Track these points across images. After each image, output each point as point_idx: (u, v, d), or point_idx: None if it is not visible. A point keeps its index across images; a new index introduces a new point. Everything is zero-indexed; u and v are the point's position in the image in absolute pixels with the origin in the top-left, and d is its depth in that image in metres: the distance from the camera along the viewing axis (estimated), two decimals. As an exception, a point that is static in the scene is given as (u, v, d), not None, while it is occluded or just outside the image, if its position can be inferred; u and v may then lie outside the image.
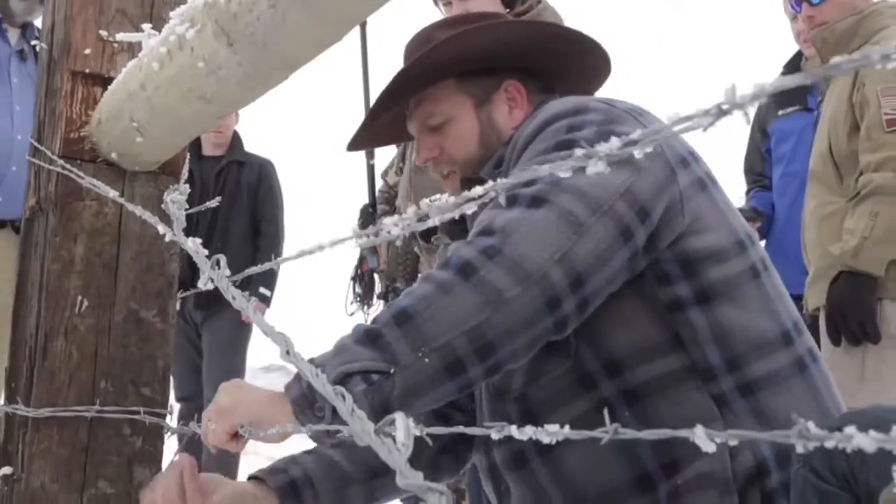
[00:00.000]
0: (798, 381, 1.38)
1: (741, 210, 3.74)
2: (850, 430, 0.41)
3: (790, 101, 3.62)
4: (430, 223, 0.93)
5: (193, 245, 1.10)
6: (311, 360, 1.18)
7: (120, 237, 1.57)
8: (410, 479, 0.61)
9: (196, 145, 4.85)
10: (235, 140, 4.87)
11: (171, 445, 1.70)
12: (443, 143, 1.58)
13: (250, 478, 1.48)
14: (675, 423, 1.31)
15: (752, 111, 0.54)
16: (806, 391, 1.38)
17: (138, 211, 1.29)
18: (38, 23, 3.23)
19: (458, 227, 1.59)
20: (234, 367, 4.48)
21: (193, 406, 4.49)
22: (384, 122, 1.66)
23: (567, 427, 0.65)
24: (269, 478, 1.46)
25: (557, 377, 1.38)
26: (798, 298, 2.92)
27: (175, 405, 4.33)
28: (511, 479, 1.45)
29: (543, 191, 1.27)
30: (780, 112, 3.69)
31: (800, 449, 0.42)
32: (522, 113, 1.58)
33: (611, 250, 1.26)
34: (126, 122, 1.42)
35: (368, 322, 1.24)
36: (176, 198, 1.35)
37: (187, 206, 1.34)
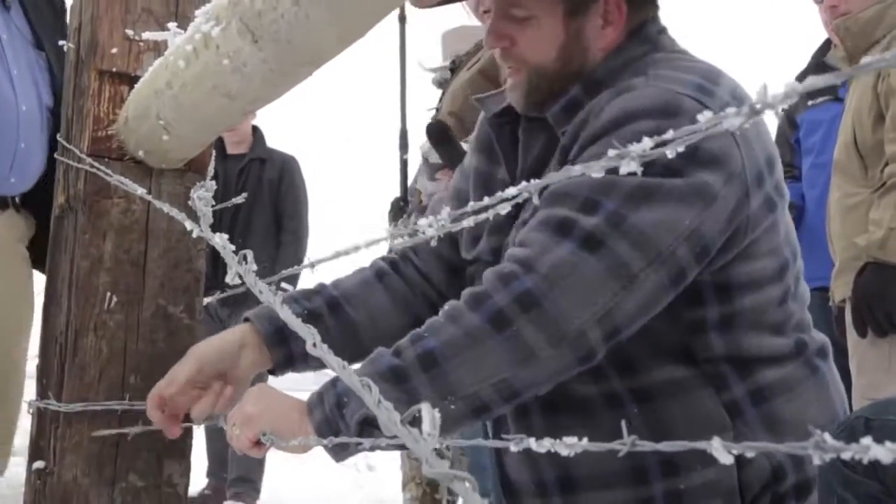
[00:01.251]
0: (810, 383, 1.37)
1: None
2: (867, 441, 0.41)
3: (820, 91, 3.59)
4: (465, 224, 0.94)
5: (221, 241, 1.11)
6: (335, 384, 1.19)
7: (147, 234, 1.59)
8: (437, 468, 0.62)
9: (220, 144, 4.90)
10: (258, 137, 4.90)
11: (199, 438, 1.72)
12: (517, 37, 1.41)
13: (250, 323, 1.50)
14: (683, 428, 1.31)
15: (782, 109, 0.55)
16: (817, 394, 1.38)
17: (165, 208, 1.31)
18: None
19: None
20: None
21: None
22: None
23: (575, 417, 0.66)
24: (272, 349, 1.48)
25: None
26: (827, 290, 2.91)
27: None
28: (511, 425, 1.43)
29: (601, 231, 1.20)
30: (810, 103, 3.67)
31: (817, 461, 0.43)
32: (616, 33, 1.40)
33: (658, 299, 1.24)
34: (153, 120, 1.44)
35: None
36: (202, 195, 1.36)
37: (213, 203, 1.35)
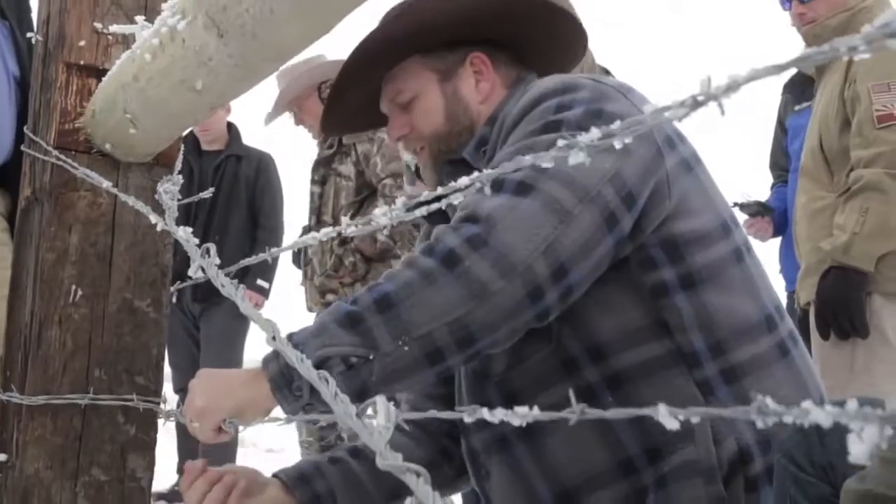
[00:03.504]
0: (781, 365, 1.39)
1: (747, 204, 3.76)
2: (807, 404, 0.42)
3: (805, 96, 3.63)
4: (419, 213, 0.95)
5: (184, 234, 1.11)
6: (290, 337, 1.20)
7: (114, 227, 1.59)
8: (390, 459, 0.63)
9: (196, 141, 4.89)
10: (234, 134, 4.89)
11: (164, 433, 1.72)
12: (411, 120, 1.56)
13: (275, 476, 1.51)
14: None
15: (727, 102, 0.56)
16: (789, 375, 1.39)
17: (131, 201, 1.31)
18: None
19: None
20: (231, 359, 4.50)
21: None
22: (359, 106, 1.64)
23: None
24: (296, 489, 1.48)
25: (539, 361, 1.38)
26: (794, 292, 2.95)
27: (174, 397, 4.37)
28: (492, 462, 1.45)
29: (530, 177, 1.26)
30: (797, 107, 3.71)
31: (759, 425, 0.43)
32: (490, 85, 1.56)
33: (595, 239, 1.26)
34: (120, 114, 1.44)
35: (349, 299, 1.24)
36: (168, 188, 1.36)
37: (180, 197, 1.35)
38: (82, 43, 1.61)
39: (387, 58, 1.54)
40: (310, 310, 4.18)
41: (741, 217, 3.78)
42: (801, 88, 3.67)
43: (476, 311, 1.19)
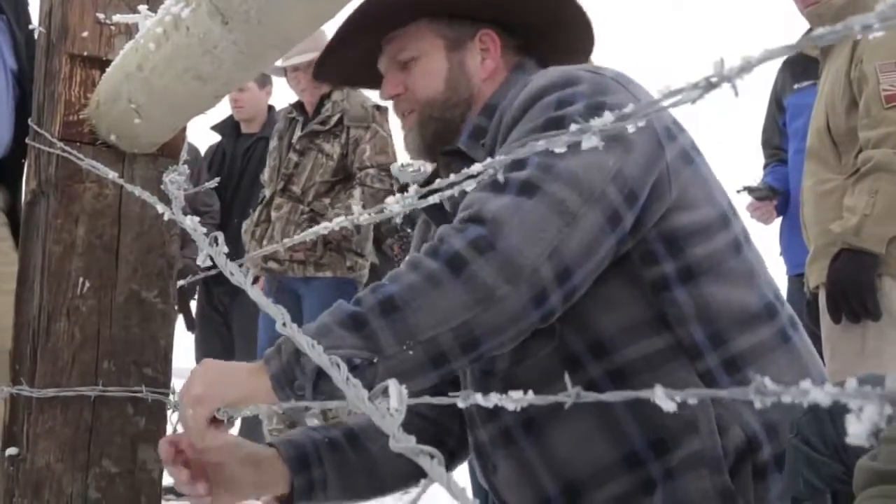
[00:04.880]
0: (782, 352, 1.38)
1: (757, 188, 3.75)
2: (806, 384, 0.42)
3: (806, 75, 3.60)
4: (432, 200, 0.94)
5: (192, 223, 1.11)
6: (279, 348, 1.20)
7: (120, 219, 1.58)
8: (403, 442, 0.62)
9: (235, 125, 4.94)
10: (271, 118, 4.90)
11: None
12: (407, 81, 1.56)
13: (271, 445, 1.52)
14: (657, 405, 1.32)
15: (740, 84, 0.55)
16: (791, 362, 1.38)
17: (137, 191, 1.31)
18: None
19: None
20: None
21: None
22: (356, 60, 1.63)
23: (549, 404, 0.66)
24: (295, 475, 1.49)
25: (542, 358, 1.38)
26: (803, 275, 2.93)
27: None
28: (499, 456, 1.46)
29: (535, 177, 1.25)
30: (796, 86, 3.69)
31: (758, 405, 0.43)
32: (494, 65, 1.56)
33: (599, 240, 1.26)
34: (124, 104, 1.43)
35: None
36: (174, 178, 1.36)
37: (186, 187, 1.35)
38: (85, 34, 1.61)
39: (394, 15, 1.53)
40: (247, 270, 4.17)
41: (744, 200, 3.76)
42: (801, 67, 3.66)
43: (481, 315, 1.19)
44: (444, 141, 1.54)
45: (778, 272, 3.76)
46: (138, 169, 1.61)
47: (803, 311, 2.95)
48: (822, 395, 0.41)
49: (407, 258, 1.28)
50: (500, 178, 1.24)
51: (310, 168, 4.18)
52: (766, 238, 3.78)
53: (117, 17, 1.55)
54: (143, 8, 1.40)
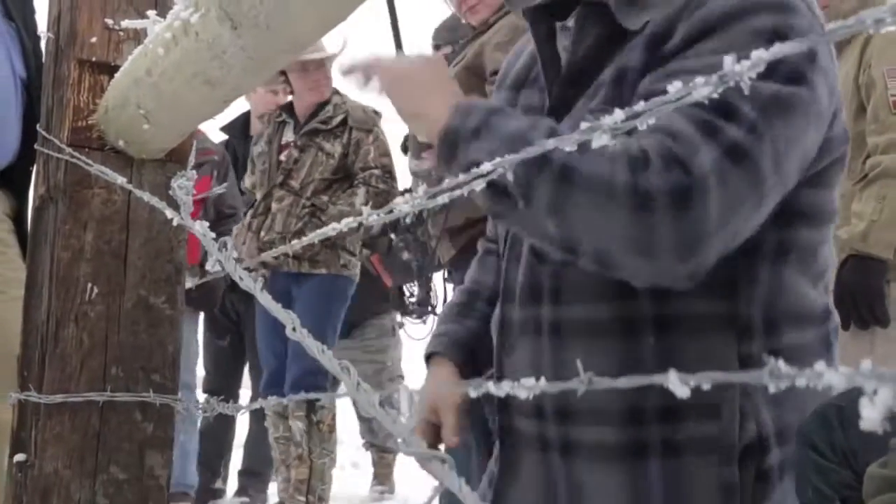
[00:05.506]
0: (823, 358, 1.29)
1: None
2: (820, 366, 0.41)
3: None
4: (440, 201, 0.94)
5: (201, 228, 1.11)
6: (472, 111, 1.15)
7: (129, 224, 1.58)
8: (414, 447, 0.62)
9: (244, 126, 4.96)
10: None
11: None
12: None
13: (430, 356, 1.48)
14: (693, 371, 1.23)
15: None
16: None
17: (146, 197, 1.31)
18: None
19: None
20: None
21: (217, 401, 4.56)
22: None
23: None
24: (451, 355, 1.45)
25: (593, 274, 1.24)
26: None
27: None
28: (520, 341, 1.37)
29: (748, 142, 1.10)
30: None
31: (772, 389, 0.42)
32: None
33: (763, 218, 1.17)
34: (133, 109, 1.43)
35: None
36: (183, 184, 1.35)
37: (195, 192, 1.35)
38: (94, 39, 1.61)
39: None
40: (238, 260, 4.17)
41: None
42: None
43: (631, 260, 1.11)
44: None
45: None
46: (147, 174, 1.61)
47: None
48: (836, 378, 0.41)
49: (616, 142, 1.15)
50: (716, 121, 1.10)
51: (308, 164, 4.21)
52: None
53: (126, 23, 1.56)
54: (151, 13, 1.40)
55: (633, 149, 1.12)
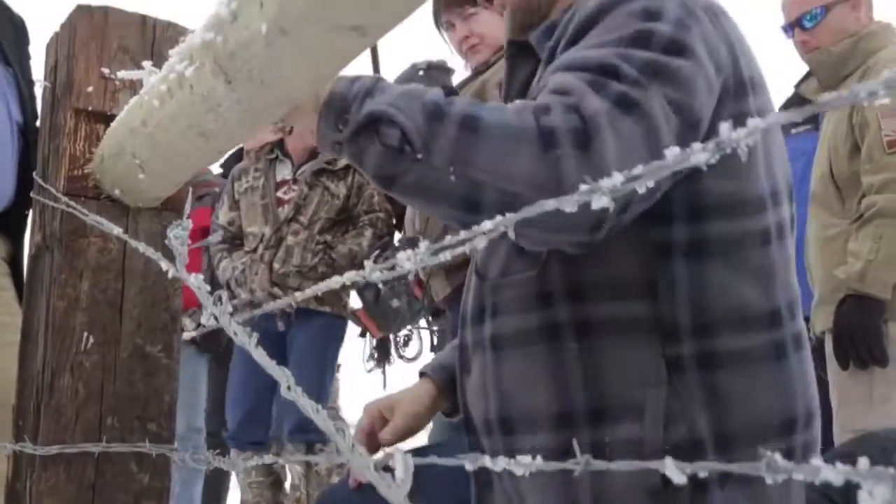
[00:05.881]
0: (769, 368, 1.27)
1: None
2: (817, 461, 0.41)
3: (803, 119, 3.63)
4: (442, 258, 0.94)
5: (196, 282, 1.10)
6: (359, 78, 1.15)
7: (124, 273, 1.58)
8: (409, 513, 0.61)
9: (240, 160, 5.01)
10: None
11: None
12: None
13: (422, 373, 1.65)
14: (617, 373, 1.23)
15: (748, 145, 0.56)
16: (775, 381, 1.27)
17: (141, 247, 1.30)
18: None
19: None
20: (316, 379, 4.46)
21: (215, 442, 4.52)
22: None
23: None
24: (434, 375, 1.61)
25: (523, 282, 1.31)
26: (807, 320, 2.93)
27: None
28: (473, 361, 1.41)
29: (637, 91, 1.14)
30: (794, 130, 3.71)
31: (769, 481, 0.42)
32: None
33: (664, 181, 1.16)
34: (128, 159, 1.43)
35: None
36: (178, 234, 1.35)
37: (189, 242, 1.34)
38: (90, 89, 1.61)
39: None
40: (252, 293, 4.18)
41: None
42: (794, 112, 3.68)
43: (537, 198, 1.11)
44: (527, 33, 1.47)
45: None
46: (142, 223, 1.61)
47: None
48: (833, 474, 0.40)
49: (517, 102, 1.17)
50: (600, 78, 1.13)
51: (316, 202, 4.25)
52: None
53: (122, 74, 1.56)
54: (147, 64, 1.41)
55: (534, 102, 1.14)
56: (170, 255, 1.33)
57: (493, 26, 3.08)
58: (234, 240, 4.30)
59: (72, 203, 1.54)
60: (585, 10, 1.28)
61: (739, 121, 1.28)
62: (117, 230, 1.42)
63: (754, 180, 1.29)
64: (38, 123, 2.83)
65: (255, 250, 4.24)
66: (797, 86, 3.71)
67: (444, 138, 1.09)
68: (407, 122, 1.10)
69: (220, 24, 1.02)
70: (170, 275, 1.20)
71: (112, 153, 1.50)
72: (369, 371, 3.90)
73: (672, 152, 0.60)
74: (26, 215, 2.78)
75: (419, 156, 1.10)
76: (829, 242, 2.74)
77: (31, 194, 1.74)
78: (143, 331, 1.58)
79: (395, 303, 3.65)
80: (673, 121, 1.15)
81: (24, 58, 2.99)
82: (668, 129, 1.14)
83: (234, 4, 0.97)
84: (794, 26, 3.00)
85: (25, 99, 2.86)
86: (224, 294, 1.05)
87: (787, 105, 3.79)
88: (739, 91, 1.27)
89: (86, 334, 1.55)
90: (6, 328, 2.72)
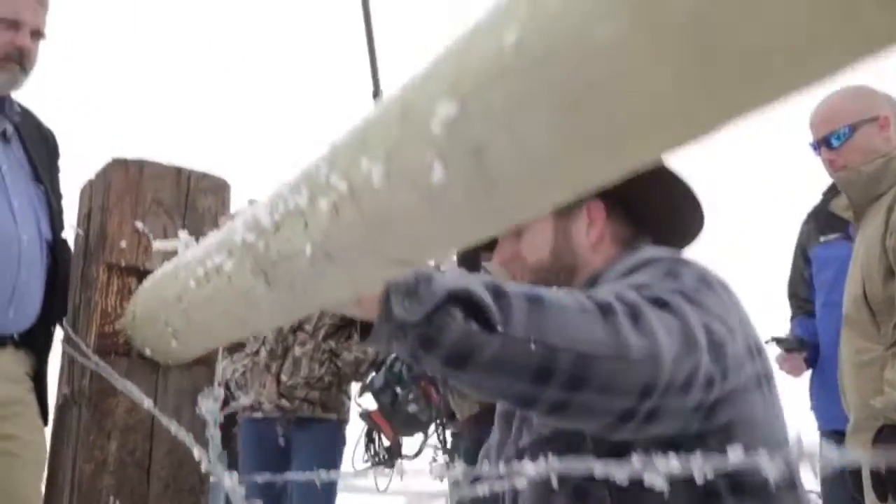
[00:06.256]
0: None
1: (786, 339, 3.71)
2: None
3: (831, 227, 3.61)
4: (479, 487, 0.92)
5: (231, 482, 1.08)
6: (416, 273, 1.13)
7: (153, 433, 1.56)
8: None
9: None
10: None
11: None
12: (518, 248, 1.61)
13: None
14: None
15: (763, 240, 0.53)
16: None
17: (173, 428, 1.29)
18: (15, 96, 2.82)
19: None
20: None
21: None
22: None
23: None
24: None
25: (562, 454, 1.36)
26: (840, 433, 2.87)
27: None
28: None
29: (667, 297, 1.26)
30: (822, 238, 3.69)
31: None
32: (598, 234, 1.58)
33: (693, 382, 1.23)
34: (161, 326, 1.42)
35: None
36: (210, 406, 1.33)
37: (223, 418, 1.32)
38: (123, 244, 1.61)
39: None
40: (258, 405, 4.15)
41: (774, 351, 3.72)
42: (826, 220, 3.66)
43: (608, 362, 1.14)
44: None
45: (809, 427, 3.70)
46: (172, 380, 1.60)
47: (847, 481, 2.88)
48: None
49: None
50: (632, 290, 1.27)
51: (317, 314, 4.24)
52: (795, 391, 3.73)
53: (157, 245, 1.56)
54: (183, 234, 1.40)
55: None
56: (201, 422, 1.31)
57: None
58: None
59: (102, 363, 1.52)
60: (613, 275, 1.43)
61: (757, 381, 1.35)
62: (147, 402, 1.40)
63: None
64: (63, 235, 2.84)
65: (256, 353, 4.22)
66: (825, 194, 3.69)
67: (518, 311, 1.13)
68: (485, 297, 1.12)
69: (261, 231, 1.00)
70: (203, 468, 1.18)
71: (144, 316, 1.49)
72: (364, 466, 3.91)
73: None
74: (52, 331, 2.78)
75: (500, 328, 1.12)
76: (864, 368, 2.69)
77: (62, 344, 1.73)
78: (170, 492, 1.56)
79: (413, 407, 3.62)
80: (701, 332, 1.24)
81: (53, 171, 3.01)
82: (700, 330, 1.24)
83: (277, 216, 0.96)
84: (821, 145, 2.99)
85: (55, 215, 2.88)
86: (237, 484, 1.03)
87: (816, 213, 3.78)
88: (748, 354, 1.35)
89: (112, 498, 1.52)
90: (27, 447, 2.70)
